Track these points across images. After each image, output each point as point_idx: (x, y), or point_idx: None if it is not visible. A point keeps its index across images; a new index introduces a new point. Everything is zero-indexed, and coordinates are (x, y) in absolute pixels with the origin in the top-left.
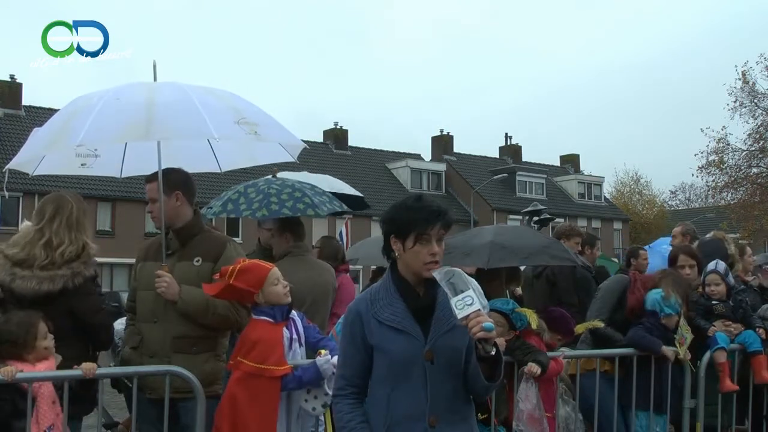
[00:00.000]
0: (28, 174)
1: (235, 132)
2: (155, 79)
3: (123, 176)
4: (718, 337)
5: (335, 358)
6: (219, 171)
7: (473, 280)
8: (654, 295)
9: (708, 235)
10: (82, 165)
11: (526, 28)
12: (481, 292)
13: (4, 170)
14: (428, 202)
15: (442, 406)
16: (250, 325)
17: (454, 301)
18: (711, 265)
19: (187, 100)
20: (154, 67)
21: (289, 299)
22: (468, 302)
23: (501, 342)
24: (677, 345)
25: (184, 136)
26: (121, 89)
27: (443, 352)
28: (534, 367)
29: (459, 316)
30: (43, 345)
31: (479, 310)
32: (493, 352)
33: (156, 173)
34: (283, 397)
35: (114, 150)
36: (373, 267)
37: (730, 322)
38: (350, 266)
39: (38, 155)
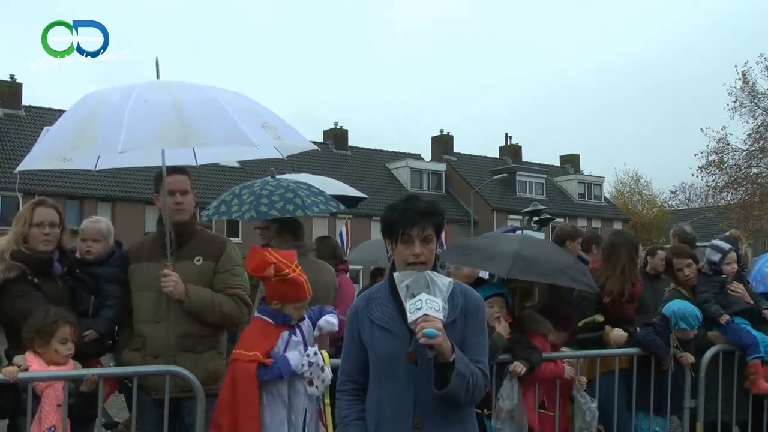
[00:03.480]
0: (29, 174)
1: (264, 137)
2: (158, 77)
3: (97, 169)
4: (761, 342)
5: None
6: (195, 165)
7: (445, 282)
8: (672, 306)
9: (726, 233)
10: (64, 159)
11: (527, 28)
12: (444, 295)
13: (15, 171)
14: (414, 202)
15: (428, 409)
16: (251, 322)
17: (407, 306)
18: (726, 245)
19: (213, 102)
20: (157, 64)
21: (296, 322)
22: (418, 306)
23: (505, 327)
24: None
25: (224, 142)
26: (142, 89)
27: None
28: (519, 366)
29: (409, 321)
30: (55, 348)
31: (426, 315)
32: (429, 356)
33: (183, 167)
34: (282, 400)
35: None
36: (372, 267)
37: (740, 287)
38: (349, 266)
39: (60, 156)
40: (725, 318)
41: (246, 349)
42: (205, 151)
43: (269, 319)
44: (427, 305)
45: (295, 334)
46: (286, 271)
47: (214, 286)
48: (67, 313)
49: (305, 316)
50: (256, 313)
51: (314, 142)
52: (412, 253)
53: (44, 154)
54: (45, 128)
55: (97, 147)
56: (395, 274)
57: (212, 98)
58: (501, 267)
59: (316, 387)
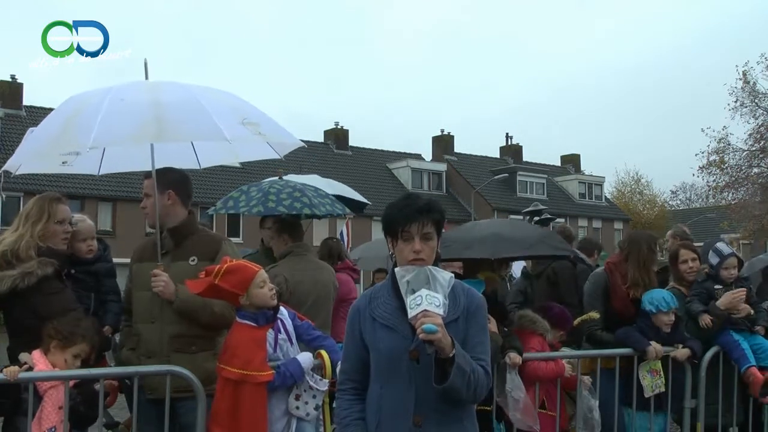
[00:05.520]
0: (29, 174)
1: (242, 133)
2: (146, 77)
3: (101, 173)
4: (747, 353)
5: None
6: (198, 168)
7: (446, 278)
8: (646, 297)
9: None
10: (63, 163)
11: (527, 28)
12: (445, 290)
13: (0, 171)
14: (413, 200)
15: (430, 406)
16: (232, 329)
17: (408, 301)
18: (728, 249)
19: (193, 100)
20: (146, 65)
21: (275, 302)
22: (417, 302)
23: (494, 325)
24: (646, 373)
25: (196, 137)
26: (121, 89)
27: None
28: (517, 358)
29: (409, 317)
30: (66, 358)
31: (426, 311)
32: (429, 352)
33: (147, 171)
34: (281, 402)
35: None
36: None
37: (738, 293)
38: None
39: (40, 154)
40: (706, 318)
41: (240, 365)
42: (206, 154)
43: (251, 323)
44: (427, 301)
45: (280, 332)
46: (218, 266)
47: None
48: (95, 335)
49: (282, 318)
50: (237, 319)
51: (315, 143)
52: (413, 249)
53: (30, 155)
54: (29, 129)
55: (74, 146)
56: (396, 270)
57: (192, 96)
58: (483, 251)
59: (306, 403)
